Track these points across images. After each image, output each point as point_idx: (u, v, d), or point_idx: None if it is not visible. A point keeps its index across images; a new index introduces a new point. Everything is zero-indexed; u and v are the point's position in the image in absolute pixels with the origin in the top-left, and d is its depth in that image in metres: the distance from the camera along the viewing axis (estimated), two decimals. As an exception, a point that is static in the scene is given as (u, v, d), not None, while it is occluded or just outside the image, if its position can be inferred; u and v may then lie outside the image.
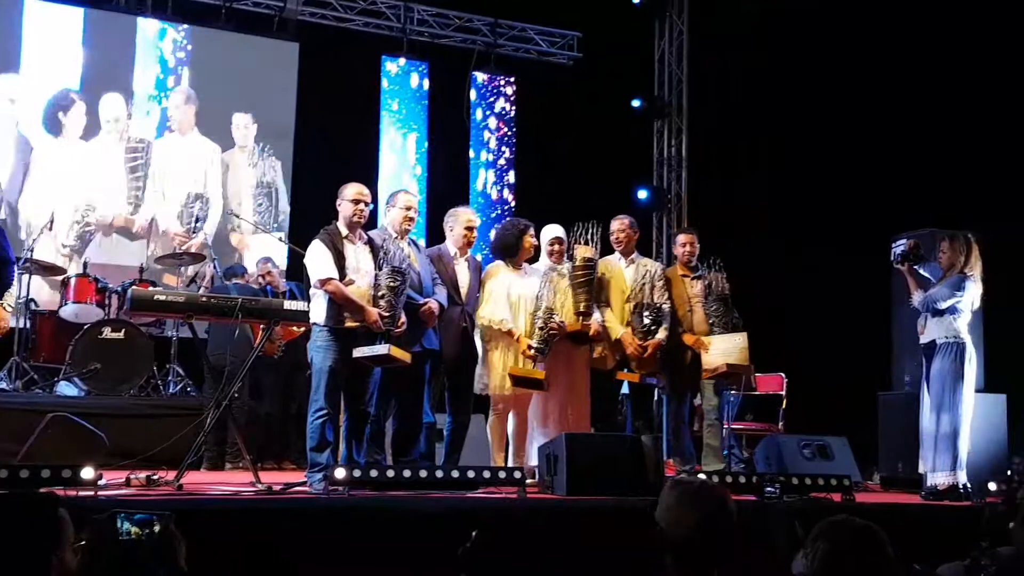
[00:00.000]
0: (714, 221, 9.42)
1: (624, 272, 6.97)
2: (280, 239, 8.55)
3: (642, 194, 12.24)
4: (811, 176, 10.65)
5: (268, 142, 10.73)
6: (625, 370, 6.76)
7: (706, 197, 11.85)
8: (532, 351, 6.36)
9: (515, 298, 6.53)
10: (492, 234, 7.39)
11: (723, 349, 6.79)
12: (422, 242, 7.56)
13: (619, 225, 7.05)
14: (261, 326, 6.23)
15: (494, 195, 12.00)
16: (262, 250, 9.50)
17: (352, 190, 5.88)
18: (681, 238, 7.28)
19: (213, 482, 5.97)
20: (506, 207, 11.93)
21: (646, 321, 6.73)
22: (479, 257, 7.22)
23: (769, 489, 5.78)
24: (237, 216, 9.56)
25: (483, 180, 11.96)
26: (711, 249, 7.21)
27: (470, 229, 6.50)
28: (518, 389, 6.42)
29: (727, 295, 6.94)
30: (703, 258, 7.18)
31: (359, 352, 5.60)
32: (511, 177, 12.09)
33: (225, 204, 10.42)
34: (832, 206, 10.43)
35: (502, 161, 12.13)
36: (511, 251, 6.65)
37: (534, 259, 6.87)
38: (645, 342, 6.70)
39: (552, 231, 6.83)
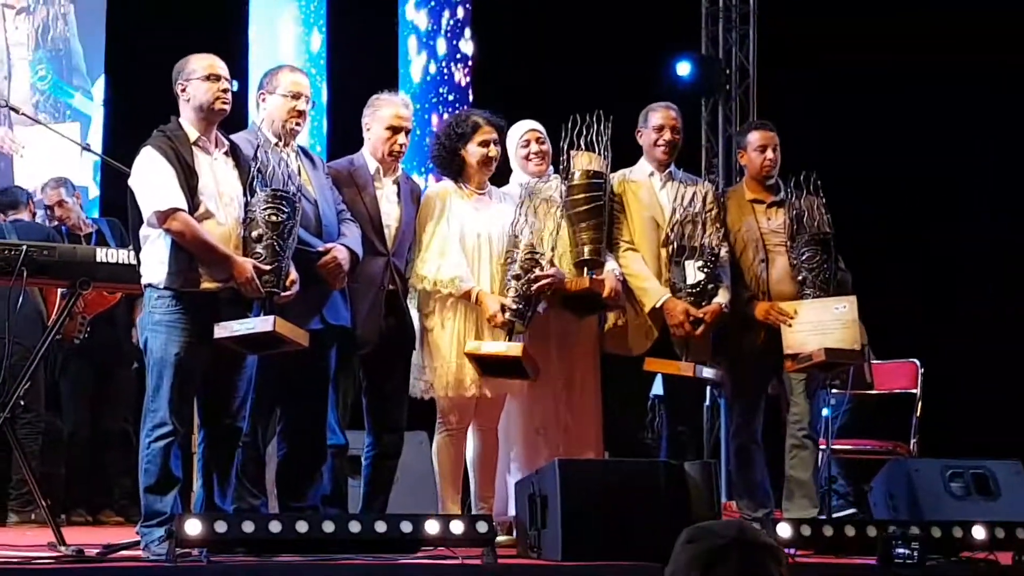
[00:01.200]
0: (803, 118, 9.62)
1: (658, 195, 7.16)
2: (84, 146, 8.49)
3: (683, 68, 12.37)
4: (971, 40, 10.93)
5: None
6: (662, 356, 6.91)
7: (792, 75, 12.03)
8: (506, 315, 6.53)
9: (473, 240, 6.72)
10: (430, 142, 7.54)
11: (817, 323, 6.95)
12: (319, 154, 7.70)
13: (665, 118, 7.17)
14: (59, 291, 6.36)
15: (433, 69, 12.12)
16: (50, 161, 9.50)
17: (201, 63, 5.98)
18: (754, 138, 7.37)
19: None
20: (458, 95, 12.09)
21: (697, 276, 6.88)
22: (420, 179, 7.40)
23: (901, 550, 5.90)
24: (4, 104, 9.56)
25: (419, 50, 12.11)
26: (798, 163, 7.35)
27: (395, 130, 6.64)
28: (486, 385, 6.62)
29: (829, 235, 7.08)
30: (787, 174, 7.31)
31: (224, 330, 5.72)
32: (466, 44, 12.24)
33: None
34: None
35: (449, 19, 12.24)
36: (450, 167, 6.85)
37: (501, 179, 7.06)
38: (698, 309, 6.87)
39: (525, 125, 7.02)
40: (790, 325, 7.00)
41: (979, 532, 6.19)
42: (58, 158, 9.56)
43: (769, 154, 7.27)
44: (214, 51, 6.13)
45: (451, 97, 12.05)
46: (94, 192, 10.31)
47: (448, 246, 6.65)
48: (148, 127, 5.98)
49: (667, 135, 7.14)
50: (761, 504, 7.16)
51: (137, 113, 6.71)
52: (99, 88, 10.80)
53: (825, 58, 11.40)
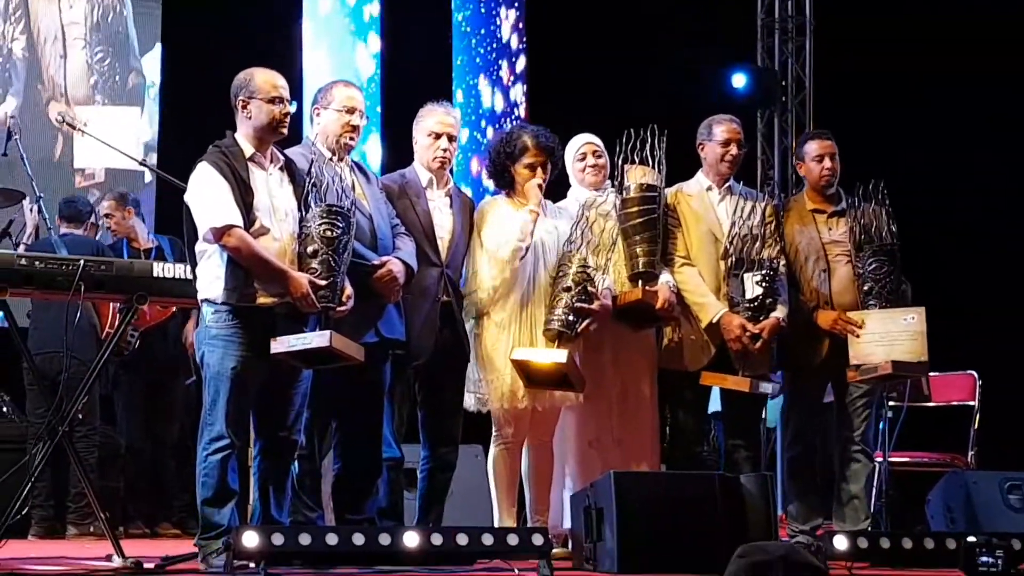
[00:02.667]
0: (859, 128, 9.64)
1: (716, 209, 7.16)
2: (141, 163, 8.48)
3: (738, 80, 12.42)
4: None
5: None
6: (720, 371, 6.92)
7: (848, 86, 12.05)
8: (555, 326, 6.53)
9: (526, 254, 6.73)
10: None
11: (885, 334, 6.87)
12: (373, 169, 7.78)
13: (728, 131, 7.17)
14: (115, 306, 6.44)
15: (487, 95, 12.17)
16: (108, 139, 9.45)
17: (265, 83, 6.01)
18: (812, 148, 7.32)
19: (47, 556, 6.27)
20: (513, 111, 12.16)
21: (755, 290, 6.85)
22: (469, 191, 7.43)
23: (985, 559, 5.82)
24: (62, 121, 9.57)
25: (468, 69, 12.19)
26: (853, 174, 7.32)
27: (437, 135, 6.68)
28: (537, 397, 6.64)
29: (896, 247, 7.02)
30: (850, 183, 7.26)
31: (281, 345, 5.77)
32: (519, 61, 12.30)
33: (38, 65, 10.61)
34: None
35: (499, 39, 12.32)
36: (502, 181, 6.91)
37: (555, 192, 7.09)
38: (756, 324, 6.85)
39: (581, 139, 7.10)
40: (858, 335, 6.92)
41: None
42: (116, 137, 9.46)
43: (827, 163, 7.21)
44: (268, 59, 6.24)
45: (505, 116, 12.14)
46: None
47: (500, 256, 6.67)
48: (199, 122, 6.02)
49: (733, 150, 7.14)
50: (810, 517, 7.13)
51: (189, 112, 6.74)
52: (155, 58, 10.95)
53: (881, 69, 11.41)
